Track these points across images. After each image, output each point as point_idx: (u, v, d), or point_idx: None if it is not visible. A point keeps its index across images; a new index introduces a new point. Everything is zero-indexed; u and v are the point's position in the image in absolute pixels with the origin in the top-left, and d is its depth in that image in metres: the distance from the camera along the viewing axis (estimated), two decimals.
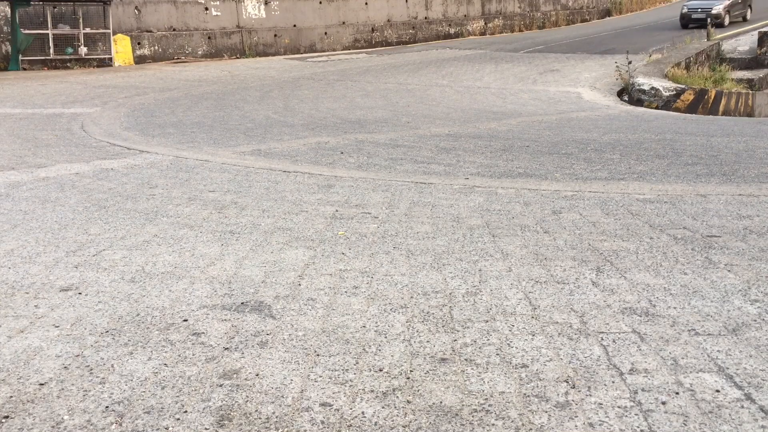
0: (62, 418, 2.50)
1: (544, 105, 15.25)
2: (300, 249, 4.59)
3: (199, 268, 4.21)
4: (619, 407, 2.56)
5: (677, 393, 2.66)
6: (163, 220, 5.36)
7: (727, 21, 27.82)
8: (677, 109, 15.88)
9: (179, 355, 3.01)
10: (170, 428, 2.44)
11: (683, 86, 16.86)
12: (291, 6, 27.59)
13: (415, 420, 2.49)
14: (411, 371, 2.86)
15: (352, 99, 15.78)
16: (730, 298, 3.63)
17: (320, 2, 28.32)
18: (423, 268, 4.18)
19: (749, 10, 30.59)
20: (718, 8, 27.81)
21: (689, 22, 27.99)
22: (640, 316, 3.40)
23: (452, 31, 32.73)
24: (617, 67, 18.38)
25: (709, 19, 26.18)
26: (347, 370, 2.87)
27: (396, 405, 2.59)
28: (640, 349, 3.04)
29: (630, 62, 18.21)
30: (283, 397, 2.66)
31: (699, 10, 28.17)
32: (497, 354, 3.01)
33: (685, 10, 28.78)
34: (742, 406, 2.56)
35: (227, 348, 3.09)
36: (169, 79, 19.31)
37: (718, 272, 4.05)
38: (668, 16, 35.32)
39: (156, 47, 24.19)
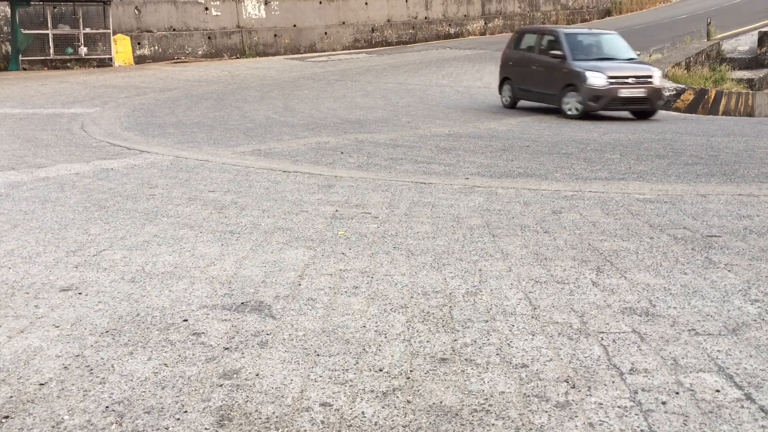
0: (62, 418, 2.50)
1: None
2: (300, 249, 4.59)
3: (199, 268, 4.21)
4: (619, 407, 2.56)
5: (677, 393, 2.66)
6: (163, 220, 5.36)
7: None
8: (677, 109, 15.88)
9: (179, 355, 3.01)
10: (170, 428, 2.44)
11: (683, 86, 16.86)
12: (291, 6, 27.58)
13: (415, 420, 2.49)
14: (411, 371, 2.86)
15: (352, 99, 15.78)
16: (730, 298, 3.63)
17: (320, 2, 28.31)
18: (423, 268, 4.18)
19: None
20: None
21: None
22: (640, 316, 3.40)
23: (452, 31, 32.72)
24: None
25: None
26: (347, 370, 2.87)
27: (396, 405, 2.59)
28: (640, 349, 3.04)
29: None
30: (283, 397, 2.66)
31: None
32: (497, 354, 3.01)
33: None
34: (742, 406, 2.56)
35: (227, 348, 3.08)
36: (169, 79, 19.30)
37: (718, 272, 4.05)
38: (668, 16, 35.32)
39: (156, 47, 24.19)
